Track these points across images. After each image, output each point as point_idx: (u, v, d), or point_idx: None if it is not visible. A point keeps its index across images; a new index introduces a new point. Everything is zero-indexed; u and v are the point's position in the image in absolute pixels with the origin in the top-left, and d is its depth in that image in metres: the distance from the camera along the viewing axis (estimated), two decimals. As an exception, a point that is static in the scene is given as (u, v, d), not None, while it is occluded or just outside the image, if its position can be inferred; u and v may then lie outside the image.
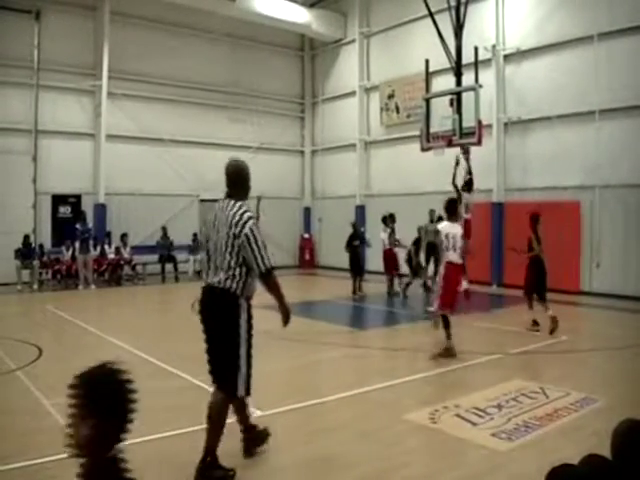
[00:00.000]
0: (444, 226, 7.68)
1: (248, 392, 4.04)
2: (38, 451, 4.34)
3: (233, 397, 4.03)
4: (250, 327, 4.06)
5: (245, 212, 3.98)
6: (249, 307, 4.07)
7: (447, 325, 7.53)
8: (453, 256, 7.55)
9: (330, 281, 16.39)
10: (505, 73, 15.36)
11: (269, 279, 4.01)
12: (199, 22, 18.65)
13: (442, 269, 7.62)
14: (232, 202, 4.06)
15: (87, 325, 9.79)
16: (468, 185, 11.94)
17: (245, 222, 3.92)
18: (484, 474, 4.08)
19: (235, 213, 3.96)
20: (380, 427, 5.03)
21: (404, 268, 14.11)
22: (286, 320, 4.09)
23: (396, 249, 13.99)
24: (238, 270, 3.95)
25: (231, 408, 4.15)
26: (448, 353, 7.45)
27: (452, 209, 7.72)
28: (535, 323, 9.30)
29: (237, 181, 4.21)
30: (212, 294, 4.03)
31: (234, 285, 3.95)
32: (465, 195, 11.68)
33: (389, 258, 13.85)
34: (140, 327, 10.13)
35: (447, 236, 7.51)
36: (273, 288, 4.06)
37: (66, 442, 1.58)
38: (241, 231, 3.90)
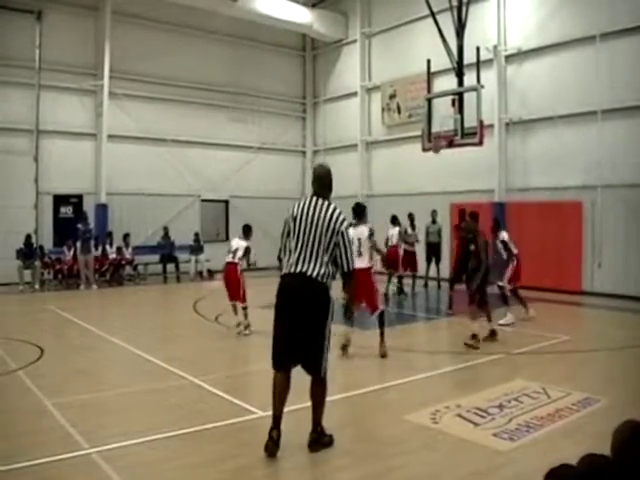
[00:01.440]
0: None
1: (326, 371, 4.48)
2: (39, 451, 4.34)
3: (318, 376, 4.44)
4: (333, 314, 4.51)
5: (341, 213, 4.53)
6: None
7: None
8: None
9: (331, 281, 16.40)
10: (507, 73, 15.34)
11: (350, 278, 4.62)
12: (200, 22, 18.66)
13: None
14: (325, 202, 4.56)
15: (88, 325, 9.79)
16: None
17: (342, 222, 4.50)
18: (485, 474, 4.07)
19: (332, 213, 4.48)
20: (381, 427, 5.03)
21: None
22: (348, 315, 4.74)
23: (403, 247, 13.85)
24: (330, 265, 4.46)
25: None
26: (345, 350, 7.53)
27: (359, 213, 7.79)
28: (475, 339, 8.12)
29: (326, 183, 4.71)
30: (304, 283, 4.38)
31: (327, 279, 4.42)
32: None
33: (394, 256, 13.50)
34: (141, 327, 10.12)
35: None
36: (350, 286, 4.79)
37: None
38: (339, 229, 4.45)
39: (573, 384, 6.13)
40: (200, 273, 17.67)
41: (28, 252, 14.87)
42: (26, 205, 15.92)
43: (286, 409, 4.43)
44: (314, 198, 4.58)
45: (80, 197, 16.97)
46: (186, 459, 4.29)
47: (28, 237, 15.00)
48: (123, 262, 16.46)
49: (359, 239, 7.49)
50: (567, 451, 4.22)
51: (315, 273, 4.36)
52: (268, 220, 19.85)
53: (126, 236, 16.53)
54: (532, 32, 14.65)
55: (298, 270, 4.39)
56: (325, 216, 4.44)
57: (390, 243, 13.49)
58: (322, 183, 4.68)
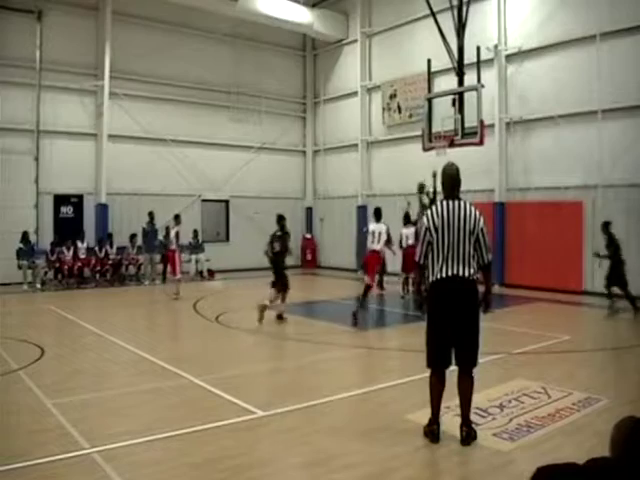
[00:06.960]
0: (372, 225, 10.48)
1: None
2: (40, 451, 4.34)
3: (471, 371, 4.60)
4: None
5: (478, 211, 4.64)
6: None
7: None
8: (372, 245, 10.25)
9: (332, 281, 16.37)
10: (507, 73, 15.33)
11: (490, 268, 4.72)
12: (201, 22, 18.66)
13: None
14: (462, 203, 4.64)
15: (89, 325, 9.79)
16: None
17: (481, 219, 4.61)
18: (486, 474, 4.07)
19: (474, 213, 4.59)
20: (381, 427, 5.02)
21: None
22: (487, 308, 4.73)
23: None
24: (475, 262, 4.59)
25: None
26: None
27: (378, 214, 10.46)
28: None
29: (458, 183, 4.78)
30: (462, 284, 4.53)
31: (476, 275, 4.60)
32: None
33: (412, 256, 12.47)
34: (142, 327, 10.13)
35: (373, 233, 10.24)
36: (489, 277, 4.78)
37: None
38: (481, 227, 4.57)
39: (574, 384, 6.13)
40: (200, 273, 17.66)
41: (27, 249, 14.87)
42: (26, 205, 15.93)
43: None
44: (453, 202, 4.62)
45: (80, 197, 16.98)
46: (186, 459, 4.28)
47: (25, 234, 14.98)
48: (125, 262, 16.48)
49: (379, 233, 10.18)
50: (567, 451, 4.23)
51: (468, 273, 4.52)
52: (268, 220, 19.85)
53: (133, 236, 16.57)
54: (532, 31, 14.65)
55: (454, 273, 4.52)
56: (469, 218, 4.55)
57: (406, 244, 12.76)
58: (454, 183, 4.75)
